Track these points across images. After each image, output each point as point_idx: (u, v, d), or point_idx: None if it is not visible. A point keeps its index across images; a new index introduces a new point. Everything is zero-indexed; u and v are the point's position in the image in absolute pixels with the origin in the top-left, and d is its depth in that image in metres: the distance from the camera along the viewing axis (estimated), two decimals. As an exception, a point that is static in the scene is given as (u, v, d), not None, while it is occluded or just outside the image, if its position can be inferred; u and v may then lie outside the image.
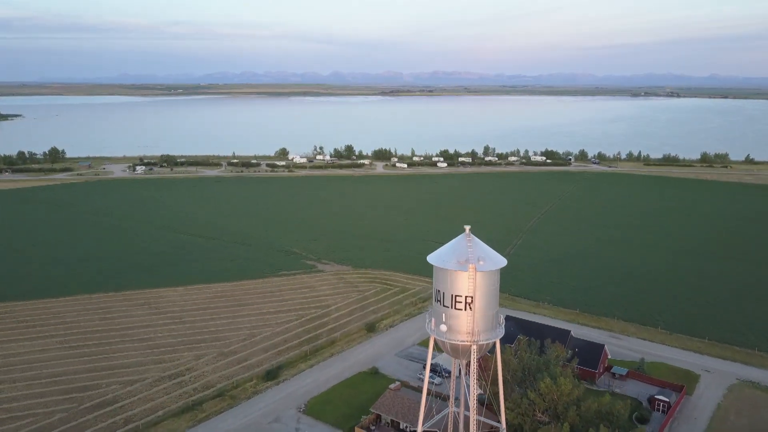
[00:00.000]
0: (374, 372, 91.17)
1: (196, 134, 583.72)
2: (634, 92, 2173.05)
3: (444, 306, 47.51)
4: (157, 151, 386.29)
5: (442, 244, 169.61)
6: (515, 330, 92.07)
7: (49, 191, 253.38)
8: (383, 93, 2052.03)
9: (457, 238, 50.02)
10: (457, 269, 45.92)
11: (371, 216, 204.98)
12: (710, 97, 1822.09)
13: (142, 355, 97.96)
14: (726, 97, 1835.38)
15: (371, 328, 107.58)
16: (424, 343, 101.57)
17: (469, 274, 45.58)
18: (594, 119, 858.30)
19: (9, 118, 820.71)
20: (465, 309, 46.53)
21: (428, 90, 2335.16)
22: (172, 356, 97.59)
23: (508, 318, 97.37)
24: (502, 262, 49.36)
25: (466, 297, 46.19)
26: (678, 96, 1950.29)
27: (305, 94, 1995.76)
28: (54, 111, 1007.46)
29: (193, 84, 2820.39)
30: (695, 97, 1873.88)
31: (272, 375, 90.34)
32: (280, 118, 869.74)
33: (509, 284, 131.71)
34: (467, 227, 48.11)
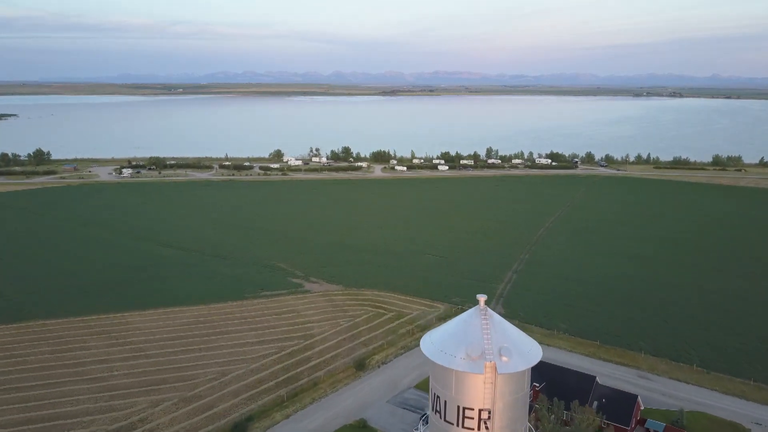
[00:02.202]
0: (362, 426, 76.62)
1: (190, 135, 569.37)
2: (636, 92, 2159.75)
3: (446, 422, 32.11)
4: (149, 153, 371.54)
5: (443, 258, 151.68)
6: (530, 374, 77.16)
7: (27, 196, 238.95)
8: (384, 93, 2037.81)
9: (466, 314, 34.67)
10: (468, 370, 30.55)
11: (366, 225, 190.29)
12: (713, 98, 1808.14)
13: (91, 401, 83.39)
14: (729, 98, 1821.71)
15: (361, 366, 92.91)
16: (422, 386, 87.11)
17: (485, 377, 30.50)
18: (598, 120, 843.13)
19: (3, 118, 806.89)
20: (479, 429, 31.45)
21: (429, 90, 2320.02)
22: (126, 402, 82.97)
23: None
24: (536, 354, 34.30)
25: (480, 411, 31.06)
26: (680, 96, 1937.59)
27: (306, 93, 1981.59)
28: (51, 111, 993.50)
29: (193, 83, 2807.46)
30: (698, 97, 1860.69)
31: (240, 429, 75.79)
32: (278, 118, 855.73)
33: (519, 307, 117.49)
34: (481, 298, 33.09)
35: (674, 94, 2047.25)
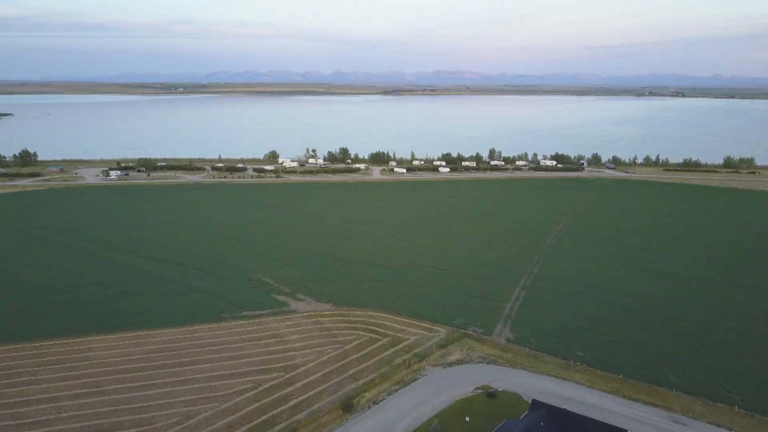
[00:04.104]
0: (346, 490, 63.77)
1: (186, 135, 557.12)
2: (639, 92, 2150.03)
3: None
4: (143, 153, 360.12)
5: (443, 271, 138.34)
6: (547, 427, 64.49)
7: (3, 200, 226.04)
8: (385, 92, 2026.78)
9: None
10: None
11: (362, 233, 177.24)
12: (716, 98, 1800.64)
13: (28, 453, 70.60)
14: (732, 97, 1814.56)
15: (348, 406, 80.00)
16: (419, 434, 74.10)
17: None
18: (602, 120, 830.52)
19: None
20: None
21: (430, 89, 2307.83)
22: (69, 455, 70.23)
23: (535, 405, 70.09)
24: None
25: None
26: (683, 96, 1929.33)
27: (307, 93, 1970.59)
28: (49, 110, 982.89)
29: (194, 83, 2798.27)
30: (701, 97, 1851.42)
31: (199, 494, 63.00)
32: (276, 118, 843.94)
33: (529, 332, 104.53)
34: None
35: (677, 94, 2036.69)
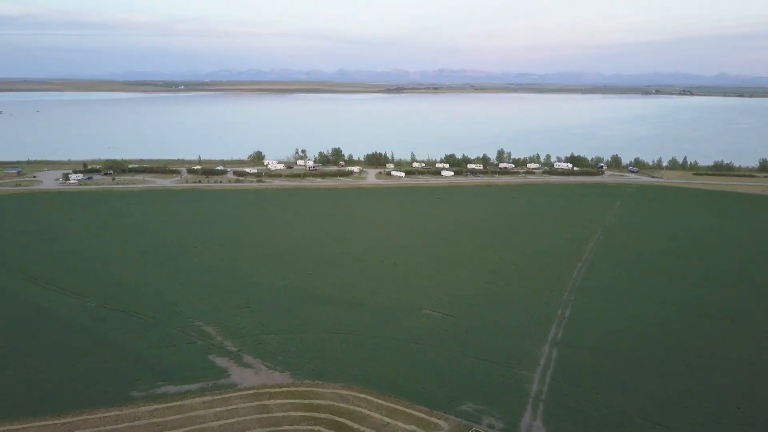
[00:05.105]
0: None
1: (173, 133, 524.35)
2: (645, 90, 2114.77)
3: None
4: (120, 154, 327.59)
5: (447, 316, 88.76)
6: None
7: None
8: (388, 90, 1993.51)
9: None
10: None
11: (345, 258, 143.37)
12: (724, 96, 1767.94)
13: None
14: (741, 96, 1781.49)
15: None
16: None
17: None
18: (612, 119, 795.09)
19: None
20: None
21: (434, 87, 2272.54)
22: None
23: None
24: None
25: None
26: (691, 94, 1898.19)
27: (310, 91, 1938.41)
28: (40, 107, 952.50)
29: (196, 81, 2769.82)
30: (708, 95, 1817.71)
31: None
32: (273, 117, 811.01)
33: (570, 426, 70.66)
34: None
35: (684, 92, 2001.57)
